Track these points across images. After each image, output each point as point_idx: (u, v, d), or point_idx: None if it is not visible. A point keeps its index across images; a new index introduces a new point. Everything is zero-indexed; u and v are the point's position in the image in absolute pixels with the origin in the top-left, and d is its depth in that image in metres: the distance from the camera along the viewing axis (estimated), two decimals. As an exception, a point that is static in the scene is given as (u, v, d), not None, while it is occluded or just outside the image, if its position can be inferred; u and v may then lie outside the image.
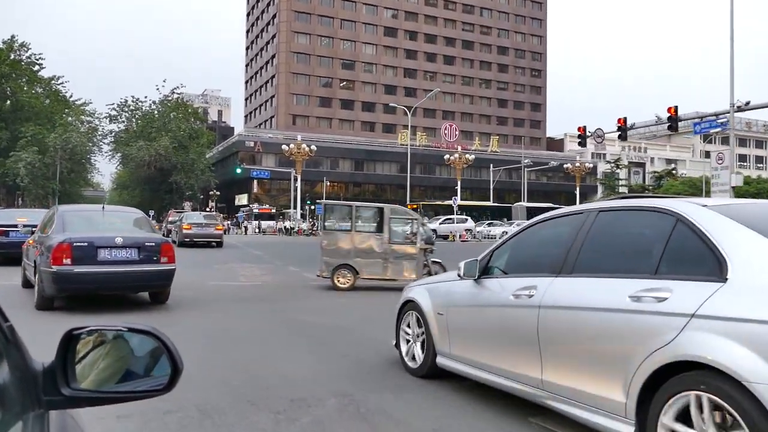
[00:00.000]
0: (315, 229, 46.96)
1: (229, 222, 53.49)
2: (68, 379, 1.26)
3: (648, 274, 3.00)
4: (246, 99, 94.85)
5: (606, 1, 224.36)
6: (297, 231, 44.90)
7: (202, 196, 70.39)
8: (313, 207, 54.75)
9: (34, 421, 1.15)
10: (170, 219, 37.77)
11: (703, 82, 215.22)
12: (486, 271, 4.25)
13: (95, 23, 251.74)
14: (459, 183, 61.97)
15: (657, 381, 2.72)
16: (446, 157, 62.22)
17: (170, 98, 63.93)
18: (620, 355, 2.93)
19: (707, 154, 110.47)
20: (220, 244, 26.27)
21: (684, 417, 2.60)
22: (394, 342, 5.39)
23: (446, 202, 51.32)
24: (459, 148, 64.23)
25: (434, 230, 35.30)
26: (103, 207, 10.00)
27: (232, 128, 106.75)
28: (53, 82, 64.44)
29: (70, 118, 60.95)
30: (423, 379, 4.84)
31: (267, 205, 53.92)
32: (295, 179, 51.86)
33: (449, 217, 36.61)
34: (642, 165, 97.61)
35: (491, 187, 65.53)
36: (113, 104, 64.39)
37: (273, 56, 79.45)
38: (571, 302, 3.34)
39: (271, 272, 15.53)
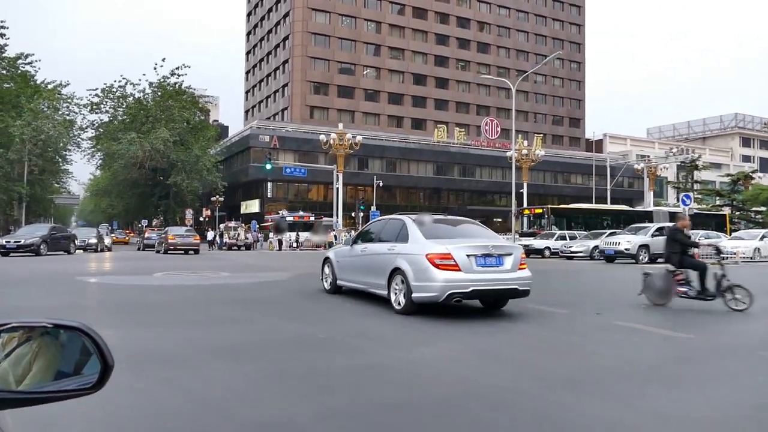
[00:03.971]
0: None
1: (250, 234, 41.65)
2: None
3: (393, 241, 8.87)
4: (247, 92, 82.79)
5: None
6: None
7: (198, 203, 58.28)
8: (362, 214, 43.35)
9: None
10: (146, 235, 39.40)
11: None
12: (354, 243, 10.36)
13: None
14: (525, 186, 51.24)
15: (391, 275, 8.52)
16: (509, 154, 51.32)
17: (168, 81, 51.84)
18: (383, 269, 8.72)
19: (747, 158, 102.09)
20: (197, 252, 29.56)
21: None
22: (321, 278, 11.38)
23: (583, 205, 40.02)
24: (525, 145, 53.43)
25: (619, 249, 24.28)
26: None
27: (227, 127, 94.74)
28: (20, 61, 51.67)
29: (43, 105, 48.37)
30: (332, 294, 10.67)
31: (301, 212, 42.27)
32: (337, 178, 40.41)
33: (642, 225, 24.89)
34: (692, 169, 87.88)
35: (609, 191, 54.55)
36: (96, 89, 52.03)
37: (286, 38, 67.68)
38: (373, 252, 9.33)
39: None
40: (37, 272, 15.82)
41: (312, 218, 40.67)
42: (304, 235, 38.27)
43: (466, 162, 66.12)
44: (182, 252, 28.93)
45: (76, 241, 28.54)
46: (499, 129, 68.91)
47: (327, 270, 10.97)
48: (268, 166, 38.21)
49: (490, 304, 8.88)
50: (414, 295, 7.95)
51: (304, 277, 14.72)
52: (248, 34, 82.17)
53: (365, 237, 10.16)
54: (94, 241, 30.66)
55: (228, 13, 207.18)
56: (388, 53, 70.22)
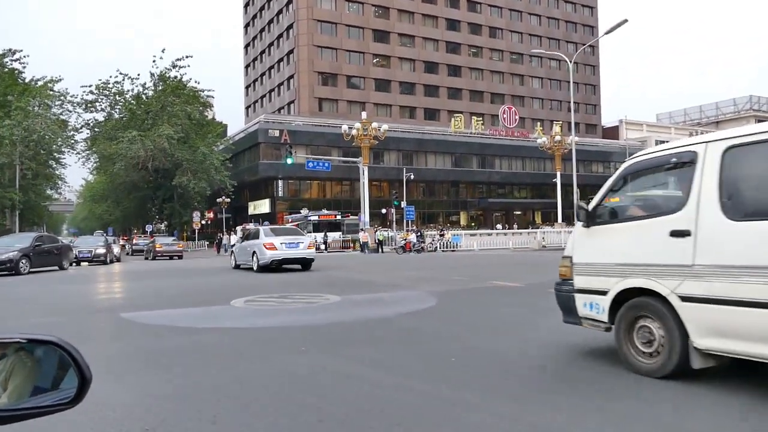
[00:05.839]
0: (423, 243, 31.85)
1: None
2: None
3: (255, 239, 19.30)
4: (247, 87, 78.76)
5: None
6: (405, 246, 29.79)
7: (202, 205, 54.36)
8: (393, 210, 39.67)
9: None
10: (135, 241, 43.70)
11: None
12: (243, 240, 21.21)
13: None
14: (558, 176, 47.80)
15: (252, 255, 18.96)
16: (541, 141, 47.94)
17: (169, 74, 47.94)
18: (250, 252, 19.09)
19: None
20: (180, 257, 32.54)
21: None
22: (230, 261, 22.74)
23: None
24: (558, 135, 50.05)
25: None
26: None
27: (226, 125, 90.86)
28: (7, 58, 47.52)
29: (33, 104, 44.24)
30: (235, 269, 20.52)
31: (325, 210, 38.69)
32: (362, 172, 36.77)
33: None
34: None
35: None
36: (90, 86, 48.01)
37: (290, 26, 63.79)
38: (247, 245, 19.75)
39: None
40: (29, 301, 12.03)
41: (338, 216, 37.03)
42: (332, 236, 34.61)
43: (485, 153, 62.65)
44: (168, 258, 32.02)
45: (70, 253, 23.76)
46: (517, 117, 65.55)
47: (232, 257, 21.37)
48: (290, 161, 34.51)
49: (301, 267, 18.68)
50: (259, 262, 18.16)
51: (458, 298, 10.42)
52: (246, 26, 78.11)
53: (247, 237, 20.18)
54: (102, 251, 26.52)
55: (219, 11, 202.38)
56: (397, 40, 66.53)
